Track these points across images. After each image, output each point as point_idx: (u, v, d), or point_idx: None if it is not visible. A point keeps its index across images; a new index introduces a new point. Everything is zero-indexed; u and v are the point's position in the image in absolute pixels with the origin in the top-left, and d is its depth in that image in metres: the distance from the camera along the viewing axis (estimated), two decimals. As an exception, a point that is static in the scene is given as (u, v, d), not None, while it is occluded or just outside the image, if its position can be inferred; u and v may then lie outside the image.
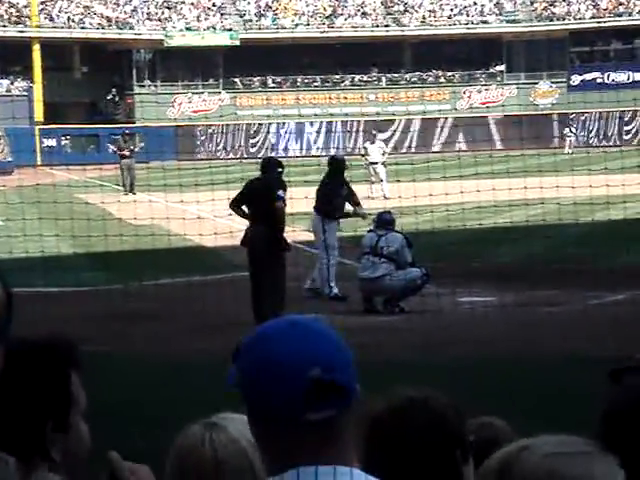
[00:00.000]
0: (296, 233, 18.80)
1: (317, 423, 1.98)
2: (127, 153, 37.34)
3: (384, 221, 15.17)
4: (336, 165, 16.45)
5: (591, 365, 10.24)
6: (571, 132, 57.72)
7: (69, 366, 2.27)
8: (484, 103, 63.59)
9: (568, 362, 10.86)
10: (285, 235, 13.61)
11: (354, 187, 16.74)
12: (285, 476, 2.00)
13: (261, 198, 13.45)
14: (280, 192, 13.37)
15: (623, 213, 20.78)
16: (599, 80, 63.09)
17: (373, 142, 34.54)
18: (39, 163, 53.56)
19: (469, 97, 63.90)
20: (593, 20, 63.98)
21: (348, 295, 15.31)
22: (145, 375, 10.89)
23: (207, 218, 22.54)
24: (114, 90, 63.12)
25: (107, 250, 17.71)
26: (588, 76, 63.61)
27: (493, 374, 10.51)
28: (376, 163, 32.78)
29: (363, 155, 34.11)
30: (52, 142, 56.70)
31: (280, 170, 14.05)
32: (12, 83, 59.78)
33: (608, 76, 63.32)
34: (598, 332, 11.70)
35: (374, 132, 38.41)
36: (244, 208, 13.75)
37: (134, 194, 33.89)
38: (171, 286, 16.17)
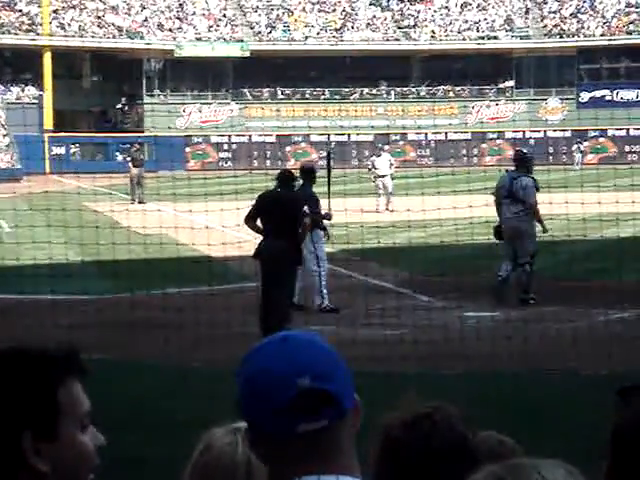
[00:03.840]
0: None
1: (311, 434, 1.97)
2: (138, 162, 37.41)
3: (519, 161, 15.96)
4: (309, 174, 16.11)
5: (597, 382, 10.24)
6: (579, 149, 57.73)
7: (61, 373, 2.21)
8: (493, 118, 63.63)
9: (572, 378, 10.85)
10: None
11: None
12: None
13: (285, 212, 13.28)
14: (306, 208, 13.42)
15: (632, 230, 20.77)
16: (608, 97, 63.11)
17: (379, 155, 34.59)
18: (48, 171, 53.69)
19: (478, 112, 63.95)
20: (603, 38, 64.04)
21: (339, 307, 15.30)
22: (151, 384, 10.89)
23: (215, 228, 22.57)
24: (124, 99, 63.31)
25: (115, 259, 17.74)
26: (597, 93, 63.63)
27: (496, 389, 10.50)
28: (384, 176, 32.81)
29: (370, 169, 34.13)
30: (61, 150, 56.85)
31: (293, 184, 14.02)
32: (22, 91, 59.98)
33: (617, 94, 63.34)
34: (604, 349, 11.68)
35: (380, 145, 38.38)
36: (258, 222, 13.68)
37: (144, 203, 33.91)
38: (178, 296, 16.18)
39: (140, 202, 35.29)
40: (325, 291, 15.65)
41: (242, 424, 2.68)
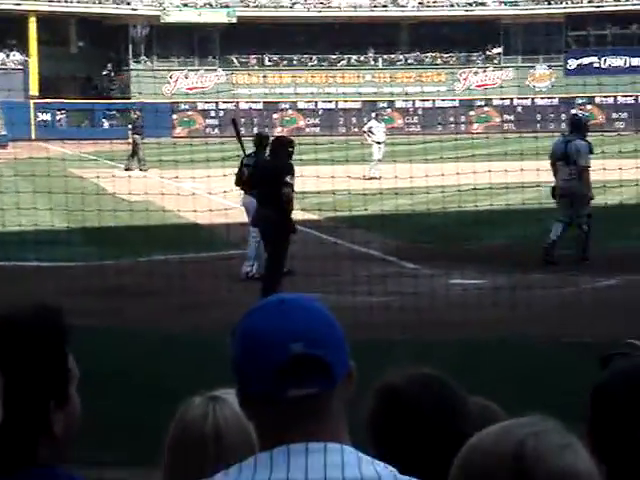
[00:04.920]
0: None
1: (300, 399, 1.97)
2: (139, 130, 37.13)
3: (574, 125, 16.63)
4: (262, 141, 16.16)
5: (582, 349, 10.28)
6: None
7: (64, 340, 2.27)
8: (481, 85, 63.50)
9: (557, 345, 10.90)
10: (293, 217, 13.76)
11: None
12: (274, 452, 1.99)
13: (269, 182, 13.58)
14: (288, 178, 13.48)
15: (619, 198, 20.80)
16: (596, 65, 63.02)
17: (379, 121, 34.43)
18: (33, 137, 53.42)
19: (465, 79, 63.81)
20: (591, 4, 63.85)
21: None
22: (137, 349, 10.90)
23: (202, 195, 22.51)
24: (110, 65, 62.92)
25: (101, 225, 17.69)
26: (585, 60, 63.54)
27: (481, 356, 10.54)
28: (380, 143, 32.67)
29: (366, 132, 33.73)
30: (47, 116, 56.54)
31: (291, 150, 14.01)
32: (7, 56, 59.55)
33: (605, 61, 63.26)
34: (590, 316, 11.73)
35: (379, 111, 38.12)
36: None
37: (146, 170, 33.64)
38: (164, 262, 16.17)
39: (141, 169, 34.97)
40: (255, 262, 15.43)
41: (220, 392, 2.70)
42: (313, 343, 1.98)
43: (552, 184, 16.49)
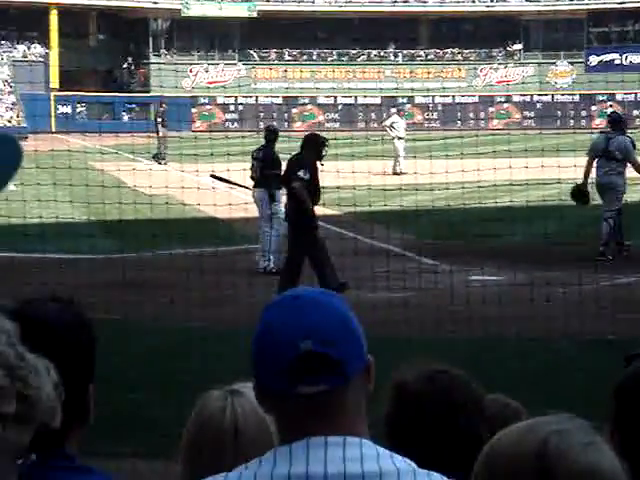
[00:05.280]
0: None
1: (313, 396, 1.98)
2: (166, 123, 37.35)
3: (614, 121, 16.96)
4: (270, 135, 16.39)
5: (600, 346, 10.25)
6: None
7: (91, 331, 2.35)
8: (501, 82, 63.31)
9: (577, 342, 10.86)
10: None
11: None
12: (293, 446, 2.00)
13: (285, 176, 13.97)
14: (301, 172, 13.48)
15: (638, 196, 20.69)
16: (617, 61, 62.71)
17: (401, 117, 34.38)
18: (54, 130, 53.59)
19: (486, 75, 63.62)
20: (613, 1, 63.52)
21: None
22: (157, 343, 10.93)
23: (220, 189, 22.53)
24: (130, 59, 63.04)
25: (121, 218, 17.74)
26: (606, 57, 63.24)
27: (501, 352, 10.51)
28: (402, 138, 32.61)
29: (388, 127, 33.55)
30: (67, 109, 56.70)
31: (321, 149, 13.95)
32: (29, 49, 59.74)
33: (626, 57, 62.94)
34: (608, 313, 11.68)
35: (399, 107, 38.03)
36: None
37: (166, 164, 33.79)
38: (184, 256, 16.20)
39: (160, 163, 35.15)
40: (271, 256, 15.55)
41: (239, 385, 2.70)
42: (323, 340, 1.98)
43: (591, 181, 16.67)
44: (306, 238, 13.52)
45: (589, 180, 16.47)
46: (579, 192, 16.21)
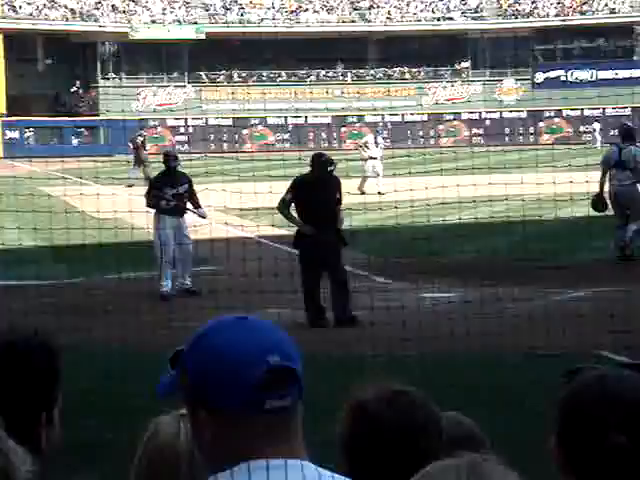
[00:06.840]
0: (261, 229, 18.82)
1: (272, 412, 1.98)
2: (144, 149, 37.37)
3: (626, 133, 17.38)
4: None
5: (550, 361, 10.31)
6: (601, 128, 56.89)
7: (58, 360, 2.36)
8: (449, 99, 63.81)
9: (527, 357, 10.92)
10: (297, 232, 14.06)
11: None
12: (235, 470, 1.98)
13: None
14: (284, 192, 13.90)
15: (586, 210, 20.89)
16: (562, 78, 63.50)
17: (376, 137, 34.53)
18: (1, 155, 53.13)
19: (434, 93, 64.10)
20: (558, 18, 64.38)
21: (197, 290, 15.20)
22: (107, 368, 10.82)
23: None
24: (78, 82, 62.74)
25: (69, 243, 17.59)
26: (552, 74, 64.01)
27: (452, 369, 10.54)
28: (375, 158, 32.67)
29: (362, 146, 33.63)
30: (15, 134, 56.26)
31: (326, 167, 13.92)
32: (-26, 74, 59.26)
33: (572, 74, 63.74)
34: (558, 328, 11.77)
35: (381, 127, 38.10)
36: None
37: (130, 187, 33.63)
38: (134, 280, 16.09)
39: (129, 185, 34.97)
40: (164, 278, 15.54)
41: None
42: (286, 354, 2.02)
43: (604, 192, 17.05)
44: (300, 257, 13.72)
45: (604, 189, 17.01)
46: (599, 201, 16.99)
